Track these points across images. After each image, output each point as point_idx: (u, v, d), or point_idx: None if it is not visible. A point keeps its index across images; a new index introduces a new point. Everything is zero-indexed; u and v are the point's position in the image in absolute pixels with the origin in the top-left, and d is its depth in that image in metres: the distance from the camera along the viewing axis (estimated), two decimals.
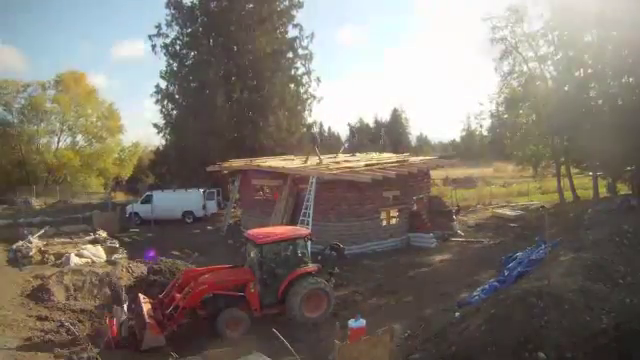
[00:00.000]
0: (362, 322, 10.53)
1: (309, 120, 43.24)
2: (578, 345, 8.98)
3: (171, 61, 39.82)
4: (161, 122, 40.92)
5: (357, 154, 30.67)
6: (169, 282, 14.66)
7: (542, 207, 28.22)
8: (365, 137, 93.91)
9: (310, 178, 21.61)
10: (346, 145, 41.54)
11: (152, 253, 16.27)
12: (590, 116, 27.19)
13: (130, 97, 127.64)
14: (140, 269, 18.06)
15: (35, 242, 22.26)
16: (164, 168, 42.69)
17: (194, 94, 37.81)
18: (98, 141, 48.05)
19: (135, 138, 71.60)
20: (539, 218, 24.78)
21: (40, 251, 20.73)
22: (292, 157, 31.49)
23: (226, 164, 29.81)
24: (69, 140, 48.80)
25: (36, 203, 33.45)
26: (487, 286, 14.21)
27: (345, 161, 25.73)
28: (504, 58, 31.41)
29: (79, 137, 48.61)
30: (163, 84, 40.06)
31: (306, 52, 41.33)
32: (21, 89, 45.54)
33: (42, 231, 24.83)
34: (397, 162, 25.43)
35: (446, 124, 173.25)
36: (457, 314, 12.89)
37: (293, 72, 41.42)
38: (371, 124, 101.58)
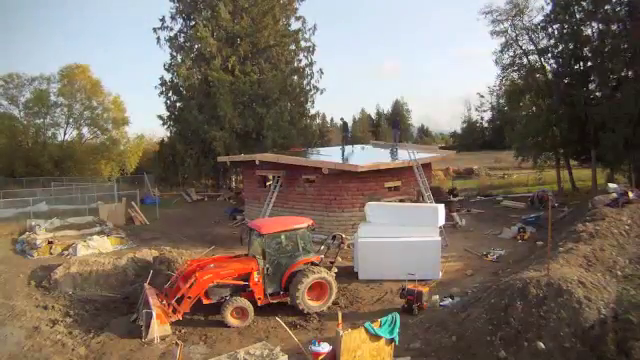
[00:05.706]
0: (326, 347, 9.65)
1: (312, 111, 43.43)
2: (577, 335, 9.17)
3: (175, 53, 39.96)
4: (165, 114, 41.29)
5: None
6: (174, 272, 14.87)
7: (543, 192, 28.19)
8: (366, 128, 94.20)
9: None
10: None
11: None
12: (589, 108, 27.36)
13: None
14: (145, 259, 18.19)
15: (42, 233, 22.56)
16: (168, 159, 42.86)
17: (198, 86, 37.95)
18: (104, 133, 48.14)
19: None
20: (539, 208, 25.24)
21: (47, 242, 20.95)
22: (295, 147, 31.62)
23: (231, 156, 30.04)
24: (75, 132, 49.10)
25: (43, 195, 33.63)
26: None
27: None
28: (505, 51, 31.59)
29: (85, 129, 48.86)
30: (167, 76, 40.34)
31: (309, 44, 41.45)
32: (26, 83, 45.69)
33: (49, 222, 25.09)
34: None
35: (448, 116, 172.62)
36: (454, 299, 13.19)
37: (296, 64, 41.45)
38: (373, 115, 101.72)
